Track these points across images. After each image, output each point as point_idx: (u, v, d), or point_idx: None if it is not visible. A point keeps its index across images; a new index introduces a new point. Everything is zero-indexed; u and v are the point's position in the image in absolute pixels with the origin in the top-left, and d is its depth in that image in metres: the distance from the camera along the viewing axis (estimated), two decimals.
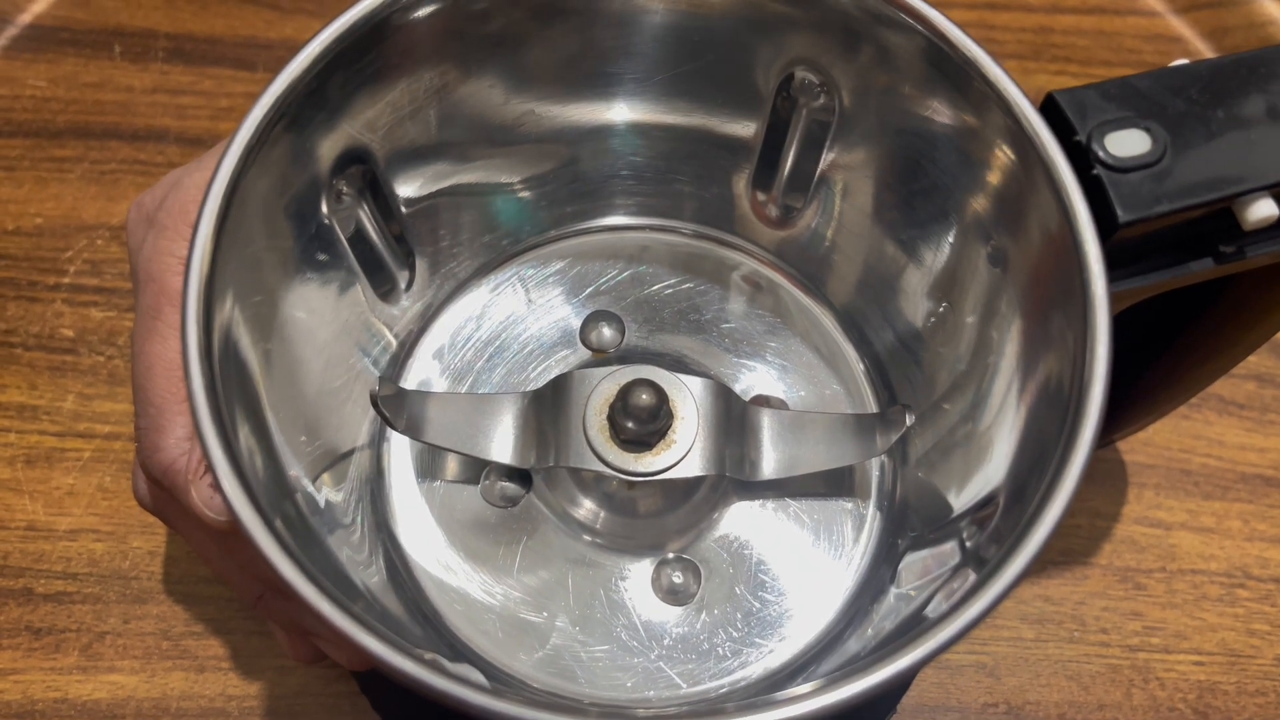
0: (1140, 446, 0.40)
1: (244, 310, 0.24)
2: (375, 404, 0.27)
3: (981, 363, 0.28)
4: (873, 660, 0.20)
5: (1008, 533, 0.22)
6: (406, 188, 0.30)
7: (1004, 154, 0.24)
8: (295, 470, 0.26)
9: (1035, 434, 0.24)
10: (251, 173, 0.23)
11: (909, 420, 0.28)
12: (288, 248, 0.26)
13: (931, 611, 0.23)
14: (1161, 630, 0.37)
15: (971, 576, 0.22)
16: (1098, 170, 0.23)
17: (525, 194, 0.32)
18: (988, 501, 0.25)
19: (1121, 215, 0.22)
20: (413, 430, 0.28)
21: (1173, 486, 0.40)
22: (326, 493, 0.27)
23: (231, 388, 0.23)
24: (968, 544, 0.25)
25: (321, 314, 0.28)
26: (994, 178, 0.25)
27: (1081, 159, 0.23)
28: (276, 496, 0.23)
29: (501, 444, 0.28)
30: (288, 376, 0.27)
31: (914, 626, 0.23)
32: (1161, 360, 0.34)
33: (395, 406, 0.27)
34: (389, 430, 0.30)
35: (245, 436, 0.23)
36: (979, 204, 0.26)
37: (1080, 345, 0.22)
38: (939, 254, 0.28)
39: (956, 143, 0.26)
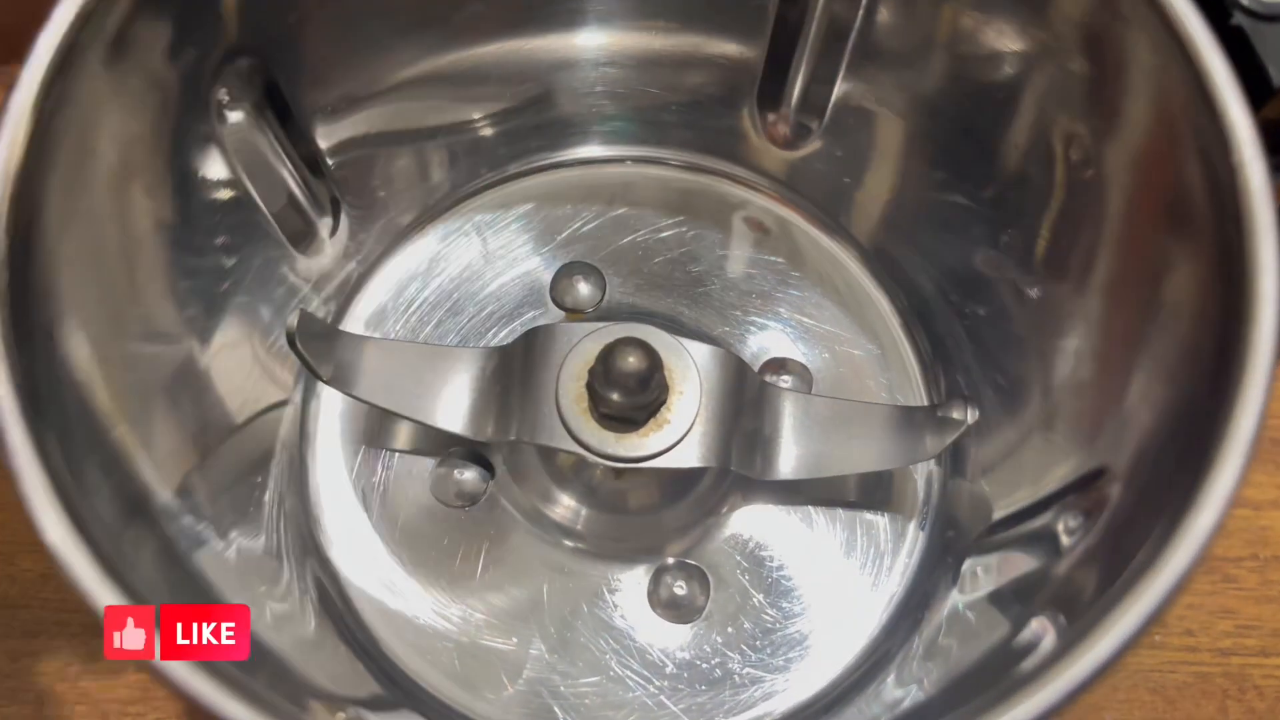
0: None
1: (81, 252, 0.19)
2: (292, 343, 0.23)
3: (1065, 305, 0.23)
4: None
5: (1136, 524, 0.17)
6: (319, 106, 0.25)
7: (1099, 8, 0.19)
8: (168, 492, 0.21)
9: (1162, 391, 0.19)
10: (88, 45, 0.17)
11: (971, 417, 0.23)
12: (155, 166, 0.21)
13: (1026, 638, 0.19)
14: (1257, 629, 0.33)
15: (1089, 588, 0.17)
16: (1238, 19, 0.18)
17: (484, 128, 0.28)
18: (1095, 477, 0.20)
19: (1276, 76, 0.17)
20: (341, 381, 0.24)
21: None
22: (224, 508, 0.23)
23: (58, 379, 0.18)
24: (1064, 540, 0.20)
25: (212, 268, 0.23)
26: (1082, 45, 0.20)
27: (1216, 7, 0.18)
28: (129, 527, 0.19)
29: (452, 408, 0.24)
30: (159, 354, 0.22)
31: (1000, 659, 0.19)
32: None
33: (320, 350, 0.23)
34: (316, 417, 0.26)
35: (87, 443, 0.18)
36: (1061, 85, 0.21)
37: (1222, 258, 0.17)
38: (1002, 163, 0.23)
39: (1028, 4, 0.20)
